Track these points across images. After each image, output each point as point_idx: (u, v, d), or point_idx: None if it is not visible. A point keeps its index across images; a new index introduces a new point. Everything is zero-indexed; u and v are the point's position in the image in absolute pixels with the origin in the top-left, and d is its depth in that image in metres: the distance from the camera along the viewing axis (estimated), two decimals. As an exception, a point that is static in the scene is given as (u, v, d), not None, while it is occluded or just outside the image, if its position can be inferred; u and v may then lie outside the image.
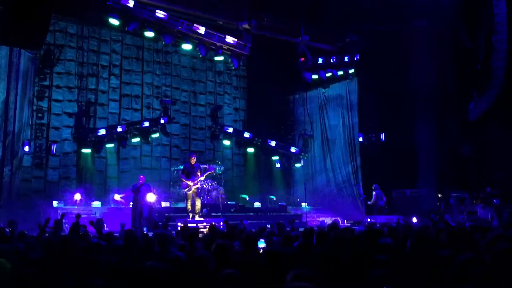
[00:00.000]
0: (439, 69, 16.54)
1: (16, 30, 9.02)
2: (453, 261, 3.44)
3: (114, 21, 13.72)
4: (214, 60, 17.37)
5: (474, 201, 15.45)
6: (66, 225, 10.38)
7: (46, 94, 15.75)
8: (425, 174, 17.36)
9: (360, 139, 18.20)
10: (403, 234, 5.98)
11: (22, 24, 8.80)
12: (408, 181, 17.23)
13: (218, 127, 18.65)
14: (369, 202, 16.23)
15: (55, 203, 13.91)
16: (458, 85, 16.37)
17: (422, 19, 16.48)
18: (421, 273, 3.68)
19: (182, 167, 13.81)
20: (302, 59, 16.79)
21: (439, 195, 16.61)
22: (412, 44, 16.44)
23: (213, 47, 15.33)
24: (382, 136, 18.26)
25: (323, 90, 18.92)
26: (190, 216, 12.47)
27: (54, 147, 15.50)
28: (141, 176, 12.82)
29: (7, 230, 7.69)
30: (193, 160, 12.87)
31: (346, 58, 17.67)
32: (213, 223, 9.27)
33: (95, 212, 13.55)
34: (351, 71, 17.90)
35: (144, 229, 11.11)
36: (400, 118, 17.32)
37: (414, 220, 13.23)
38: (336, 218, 14.88)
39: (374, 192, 15.99)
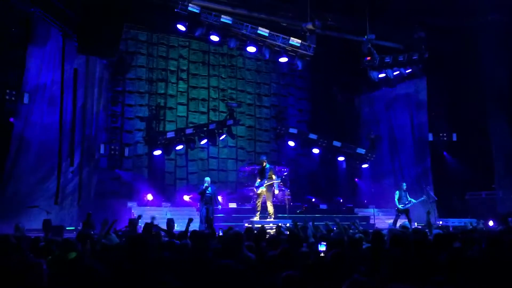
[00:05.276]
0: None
1: (92, 40, 9.65)
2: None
3: (181, 27, 14.19)
4: (278, 62, 17.44)
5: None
6: (140, 224, 10.85)
7: (119, 99, 16.57)
8: (501, 175, 16.43)
9: (430, 139, 17.54)
10: (478, 239, 5.74)
11: (98, 35, 9.39)
12: (483, 182, 16.38)
13: (283, 128, 18.76)
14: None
15: (129, 203, 14.58)
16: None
17: (495, 13, 15.59)
18: (493, 280, 3.53)
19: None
20: (368, 58, 16.40)
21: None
22: (484, 39, 15.62)
23: (277, 49, 15.40)
24: (454, 136, 17.46)
25: (390, 89, 18.45)
26: (256, 216, 12.53)
27: (127, 150, 16.30)
28: (207, 179, 12.88)
29: (93, 233, 8.17)
30: (263, 163, 12.92)
31: (414, 56, 17.08)
32: (280, 224, 9.33)
33: (166, 213, 14.03)
34: (420, 69, 17.28)
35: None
36: (472, 117, 16.48)
37: (491, 223, 12.57)
38: (405, 220, 14.43)
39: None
